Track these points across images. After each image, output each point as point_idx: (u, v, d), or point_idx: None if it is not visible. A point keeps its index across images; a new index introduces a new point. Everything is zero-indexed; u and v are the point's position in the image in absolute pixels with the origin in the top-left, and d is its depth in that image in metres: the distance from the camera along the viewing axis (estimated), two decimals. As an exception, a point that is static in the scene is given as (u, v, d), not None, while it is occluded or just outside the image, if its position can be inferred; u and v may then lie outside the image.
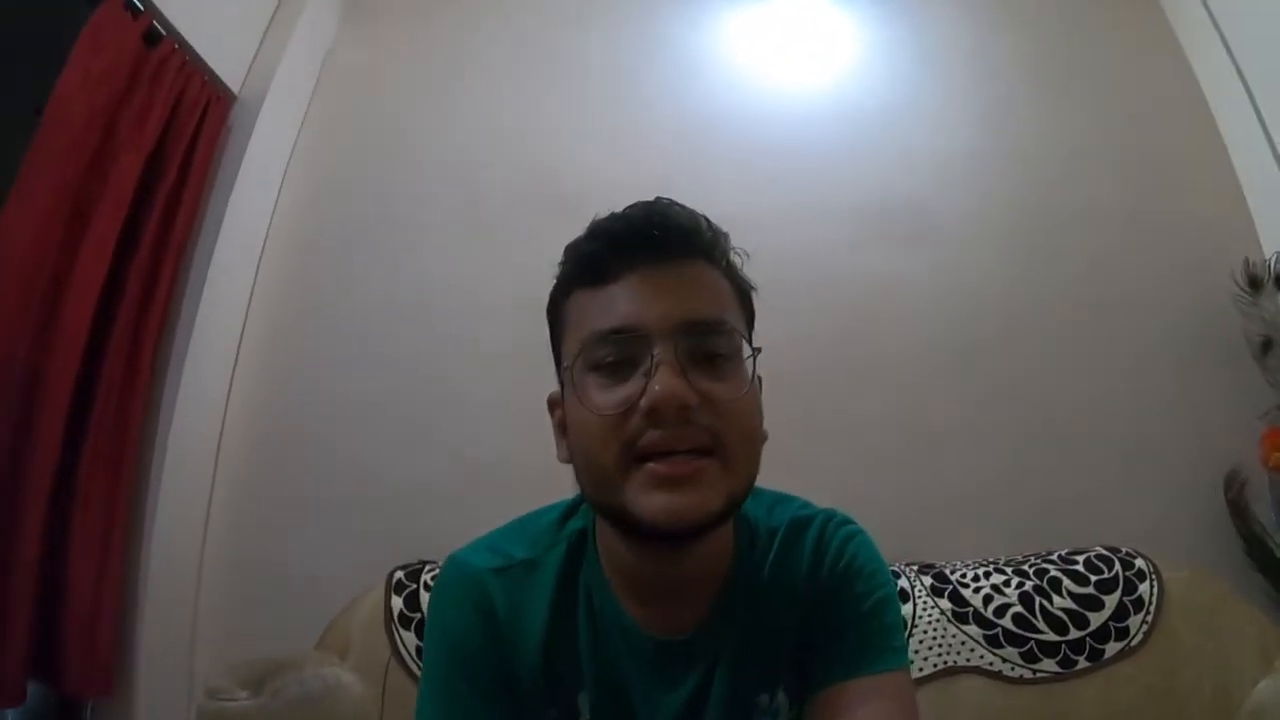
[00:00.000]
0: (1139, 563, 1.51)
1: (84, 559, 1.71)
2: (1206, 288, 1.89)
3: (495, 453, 1.88)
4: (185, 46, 1.87)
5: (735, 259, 0.70)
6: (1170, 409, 1.87)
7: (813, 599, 0.70)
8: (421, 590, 1.45)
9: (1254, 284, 1.86)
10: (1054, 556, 1.55)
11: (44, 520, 1.64)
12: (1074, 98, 2.10)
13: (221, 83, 1.97)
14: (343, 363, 1.99)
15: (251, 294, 2.02)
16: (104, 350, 1.76)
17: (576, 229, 0.68)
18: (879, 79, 2.13)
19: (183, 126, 1.90)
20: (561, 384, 0.68)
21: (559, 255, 0.69)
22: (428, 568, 1.50)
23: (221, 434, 1.93)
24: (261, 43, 2.08)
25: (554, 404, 0.71)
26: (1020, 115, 2.09)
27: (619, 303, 0.62)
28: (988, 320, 1.93)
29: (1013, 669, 1.39)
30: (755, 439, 0.64)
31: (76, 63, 1.70)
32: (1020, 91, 2.11)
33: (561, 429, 0.68)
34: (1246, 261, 1.87)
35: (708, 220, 0.68)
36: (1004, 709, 1.35)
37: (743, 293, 0.70)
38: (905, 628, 1.40)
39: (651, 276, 0.62)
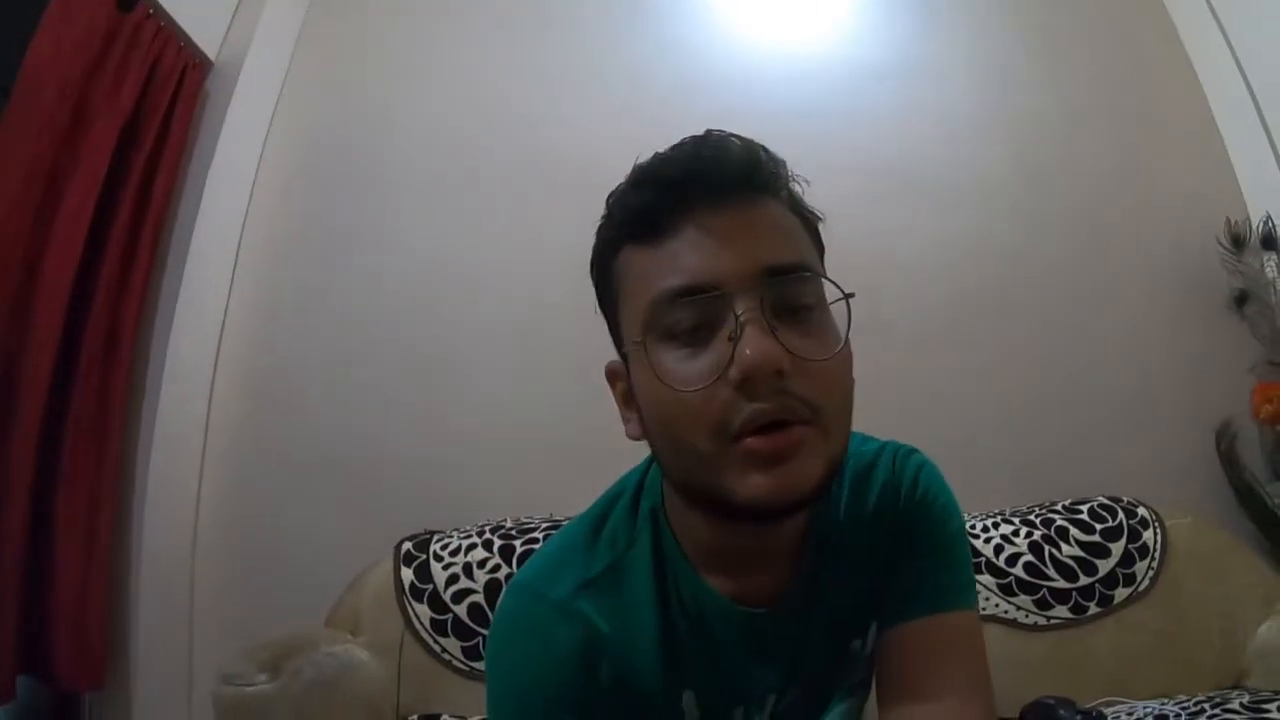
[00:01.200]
0: (1141, 511, 1.55)
1: (69, 546, 1.65)
2: (1197, 247, 1.93)
3: (494, 421, 1.86)
4: (160, 12, 1.79)
5: (795, 188, 0.61)
6: (1164, 363, 1.90)
7: (891, 534, 0.66)
8: (431, 560, 1.43)
9: (1237, 242, 1.90)
10: (1058, 506, 1.58)
11: (27, 507, 1.58)
12: (1068, 62, 2.11)
13: (198, 49, 1.89)
14: (329, 333, 1.94)
15: (235, 264, 1.96)
16: (83, 327, 1.69)
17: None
18: (878, 38, 2.12)
19: (158, 94, 1.82)
20: (623, 354, 0.59)
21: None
22: (436, 537, 1.47)
23: (209, 409, 1.86)
24: (238, 8, 2.00)
25: (615, 375, 0.61)
26: (1015, 78, 2.10)
27: (684, 257, 0.53)
28: (986, 277, 1.95)
29: (1027, 616, 1.42)
30: (850, 400, 0.57)
31: (47, 31, 1.62)
32: (1015, 55, 2.12)
33: (626, 402, 0.60)
34: (1228, 221, 1.91)
35: (765, 149, 0.58)
36: (1022, 656, 1.37)
37: (811, 227, 0.61)
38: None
39: (716, 223, 0.53)
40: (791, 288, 0.54)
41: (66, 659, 1.61)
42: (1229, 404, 1.83)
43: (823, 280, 0.56)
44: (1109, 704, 1.34)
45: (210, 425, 1.86)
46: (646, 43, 2.12)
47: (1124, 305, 1.94)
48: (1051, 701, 1.20)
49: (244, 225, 1.99)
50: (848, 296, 0.56)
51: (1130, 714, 1.27)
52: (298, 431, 1.88)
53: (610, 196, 0.60)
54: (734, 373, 0.50)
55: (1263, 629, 1.42)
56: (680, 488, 0.59)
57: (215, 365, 1.89)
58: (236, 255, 1.96)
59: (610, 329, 0.61)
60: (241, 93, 1.93)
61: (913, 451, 0.71)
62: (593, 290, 0.62)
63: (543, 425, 1.83)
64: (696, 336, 0.53)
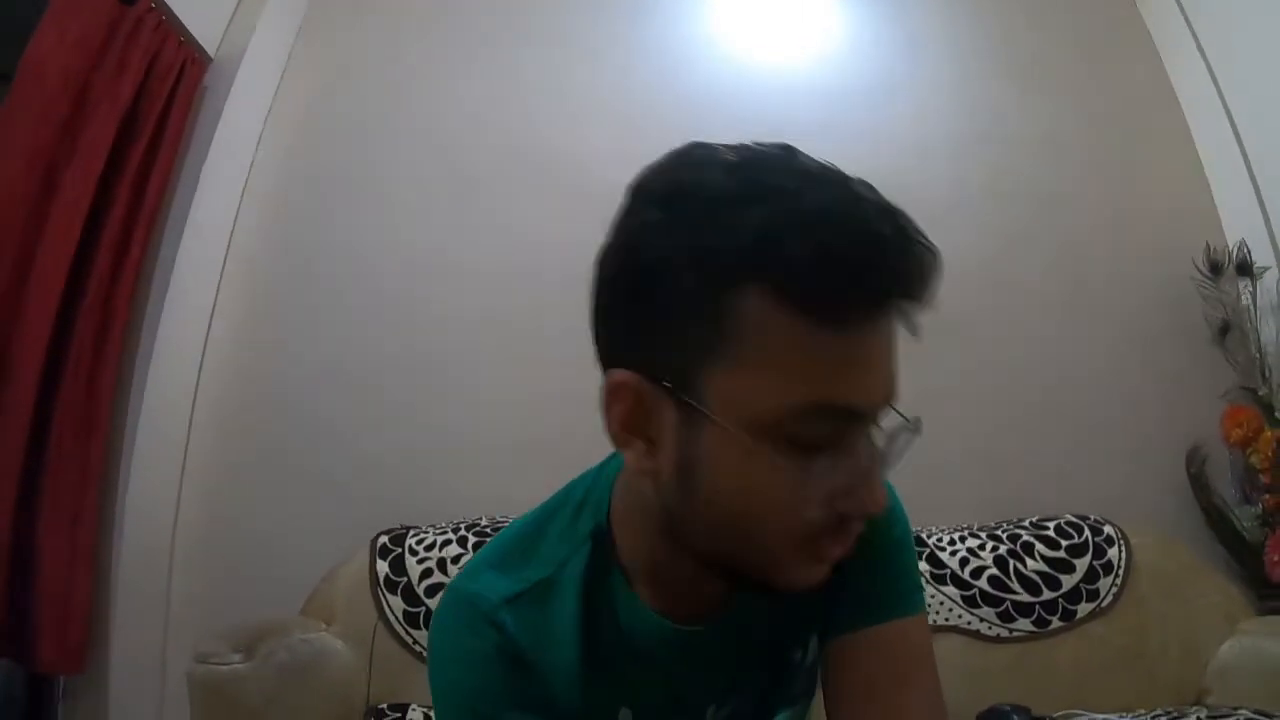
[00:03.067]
0: (1107, 529, 1.57)
1: (55, 532, 1.66)
2: (1173, 271, 1.95)
3: (473, 419, 1.88)
4: (161, 6, 1.82)
5: None
6: (1137, 386, 1.93)
7: None
8: (406, 554, 1.45)
9: (1214, 269, 1.93)
10: (1026, 523, 1.60)
11: (14, 492, 1.60)
12: (1049, 86, 2.14)
13: (198, 44, 1.92)
14: (320, 328, 1.97)
15: (226, 258, 1.98)
16: (75, 316, 1.71)
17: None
18: (861, 60, 2.16)
19: (157, 88, 1.85)
20: (676, 389, 0.47)
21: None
22: (412, 532, 1.49)
23: (195, 400, 1.89)
24: (238, 5, 2.04)
25: (624, 390, 0.50)
26: (997, 101, 2.13)
27: (857, 371, 0.45)
28: (962, 299, 1.96)
29: (990, 628, 1.44)
30: None
31: (50, 23, 1.65)
32: (997, 78, 2.15)
33: (629, 424, 0.50)
34: (1208, 247, 1.94)
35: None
36: (983, 667, 1.39)
37: None
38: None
39: (886, 330, 0.46)
40: (899, 427, 0.50)
41: (48, 644, 1.63)
42: (1200, 427, 1.86)
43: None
44: (1068, 717, 1.36)
45: (195, 417, 1.89)
46: (634, 57, 2.15)
47: (1099, 327, 1.97)
48: (1007, 708, 1.23)
49: (235, 221, 2.01)
50: (914, 430, 0.51)
51: (1088, 726, 1.30)
52: (281, 424, 1.90)
53: (725, 199, 0.45)
54: (855, 510, 0.48)
55: (1224, 648, 1.44)
56: (697, 551, 0.54)
57: (202, 359, 1.92)
58: (227, 251, 1.99)
59: (641, 332, 0.49)
60: (239, 89, 1.96)
61: None
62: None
63: (522, 425, 1.85)
64: (821, 450, 0.47)
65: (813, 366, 0.44)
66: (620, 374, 0.49)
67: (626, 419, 0.50)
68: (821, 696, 0.66)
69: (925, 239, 0.46)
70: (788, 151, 0.50)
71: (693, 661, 0.63)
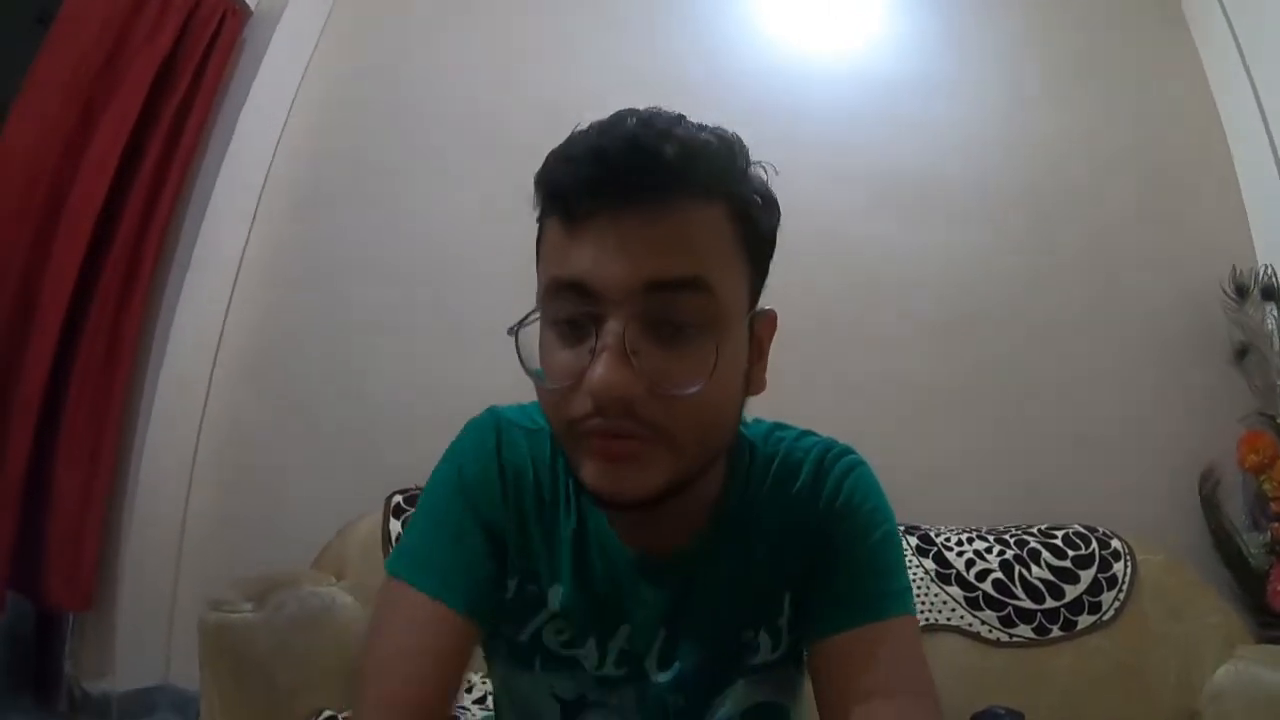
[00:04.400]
0: (1115, 543, 1.57)
1: (71, 470, 1.69)
2: (1201, 290, 1.94)
3: (495, 380, 1.88)
4: (203, -45, 1.82)
5: (756, 177, 0.59)
6: (1156, 402, 1.92)
7: (809, 535, 0.65)
8: (419, 516, 1.46)
9: (1240, 291, 1.91)
10: (1034, 529, 1.60)
11: (33, 428, 1.62)
12: (1089, 93, 2.12)
13: (239, -4, 1.93)
14: (345, 285, 1.98)
15: (256, 211, 2.00)
16: (104, 258, 1.74)
17: None
18: (903, 51, 2.13)
19: (196, 39, 1.86)
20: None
21: None
22: (426, 493, 1.51)
23: (219, 348, 1.91)
24: (281, -43, 2.03)
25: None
26: (1036, 102, 2.11)
27: (582, 251, 0.53)
28: (987, 297, 1.97)
29: (990, 631, 1.45)
30: (718, 422, 0.57)
31: (93, -32, 1.65)
32: (1039, 80, 2.13)
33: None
34: (1234, 269, 1.92)
35: (715, 141, 0.56)
36: (981, 669, 1.40)
37: (753, 230, 0.58)
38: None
39: (623, 225, 0.52)
40: (673, 304, 0.52)
41: (57, 579, 1.66)
42: (1216, 450, 1.85)
43: (720, 297, 0.54)
44: (1060, 725, 1.37)
45: (218, 365, 1.91)
46: (675, 38, 2.13)
47: (1124, 340, 1.96)
48: (1002, 711, 1.23)
49: (268, 175, 2.03)
50: (715, 326, 0.54)
51: (1080, 736, 1.31)
52: (304, 378, 1.93)
53: (546, 159, 0.57)
54: (585, 388, 0.52)
55: (1220, 671, 1.43)
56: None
57: (228, 308, 1.94)
58: (258, 203, 2.01)
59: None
60: (278, 43, 1.97)
61: (846, 453, 0.69)
62: None
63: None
64: (574, 330, 0.54)
65: (555, 252, 0.55)
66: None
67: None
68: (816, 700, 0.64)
69: (666, 146, 0.52)
70: (649, 115, 0.56)
71: (630, 582, 0.66)
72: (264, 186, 2.01)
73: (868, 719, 0.57)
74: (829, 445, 0.69)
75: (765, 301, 0.61)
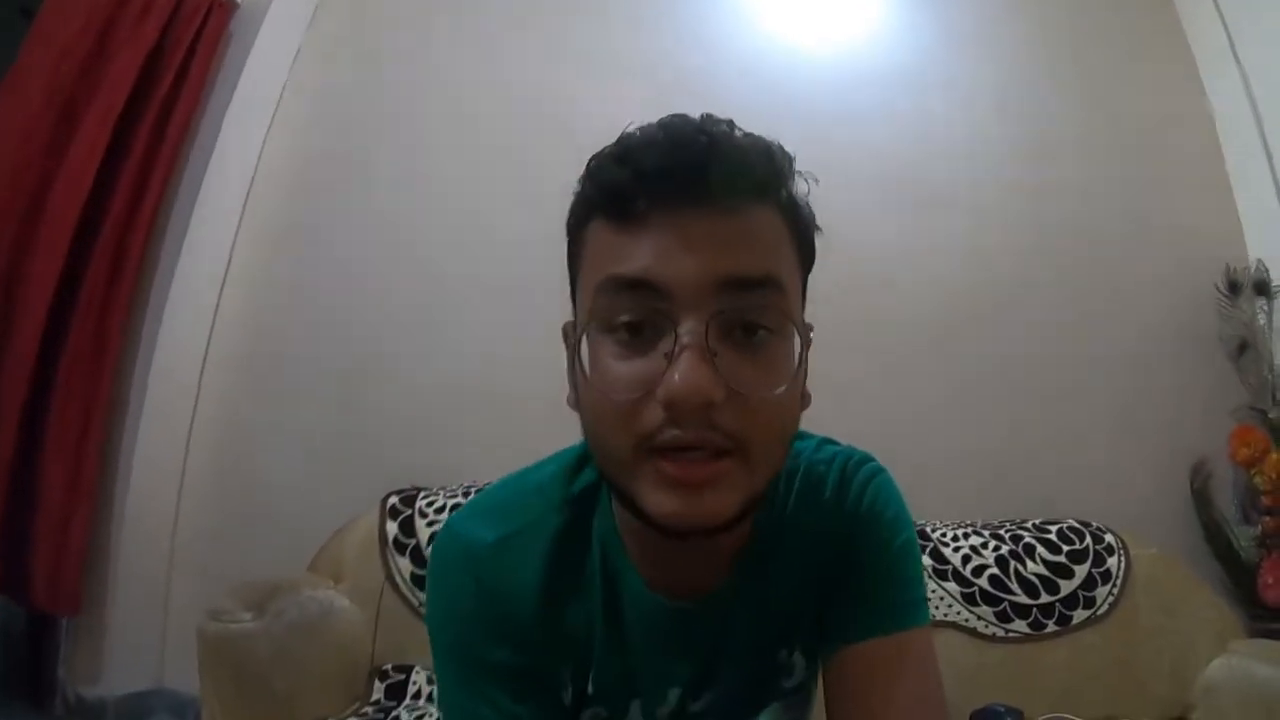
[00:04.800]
0: (1109, 538, 1.58)
1: (56, 470, 1.67)
2: (1193, 285, 1.95)
3: (493, 381, 1.88)
4: (189, -53, 1.79)
5: (800, 189, 0.58)
6: (1148, 396, 1.93)
7: (834, 544, 0.63)
8: (416, 516, 1.46)
9: (1234, 288, 1.92)
10: (1028, 524, 1.61)
11: (16, 428, 1.60)
12: (1085, 90, 2.11)
13: (225, -12, 1.89)
14: (338, 281, 1.96)
15: (245, 203, 1.97)
16: (88, 256, 1.71)
17: (571, 165, 0.58)
18: (896, 45, 2.12)
19: (182, 31, 1.83)
20: (576, 321, 0.57)
21: (565, 189, 0.56)
22: (423, 494, 1.50)
23: (209, 343, 1.89)
24: (267, -51, 2.00)
25: (565, 337, 0.59)
26: (1027, 98, 2.10)
27: (643, 249, 0.50)
28: (981, 292, 1.97)
29: (986, 627, 1.46)
30: (789, 432, 0.55)
31: (76, -40, 1.62)
32: (1030, 75, 2.12)
33: (570, 367, 0.57)
34: (1227, 267, 1.93)
35: (770, 149, 0.55)
36: (978, 664, 1.41)
37: (803, 238, 0.57)
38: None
39: (686, 223, 0.50)
40: (750, 303, 0.50)
41: (43, 581, 1.64)
42: (1208, 443, 1.86)
43: (791, 299, 0.53)
44: (1055, 720, 1.39)
45: (208, 363, 1.89)
46: (669, 36, 2.11)
47: (1116, 334, 1.97)
48: (1001, 709, 1.25)
49: (256, 169, 2.00)
50: (804, 342, 0.53)
51: (1076, 731, 1.32)
52: (296, 378, 1.91)
53: (592, 159, 0.55)
54: (661, 394, 0.48)
55: (1213, 666, 1.45)
56: (605, 480, 0.58)
57: (218, 304, 1.91)
58: (246, 197, 1.98)
59: (571, 293, 0.59)
60: (264, 37, 1.94)
61: (866, 461, 0.68)
62: None
63: (540, 391, 1.85)
64: (638, 337, 0.50)
65: (609, 252, 0.51)
66: (567, 322, 0.59)
67: (569, 364, 0.57)
68: (825, 707, 0.64)
69: (727, 149, 0.52)
70: (704, 119, 0.55)
71: (669, 638, 0.63)
72: (252, 182, 1.98)
73: None
74: (850, 453, 0.68)
75: None
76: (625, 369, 0.50)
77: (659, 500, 0.50)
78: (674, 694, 0.64)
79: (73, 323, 1.69)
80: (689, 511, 0.49)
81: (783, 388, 0.51)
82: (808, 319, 0.58)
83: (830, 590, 0.63)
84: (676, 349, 0.48)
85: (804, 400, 0.58)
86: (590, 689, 0.62)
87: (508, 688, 0.59)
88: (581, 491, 0.64)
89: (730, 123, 0.55)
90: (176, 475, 1.82)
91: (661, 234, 0.50)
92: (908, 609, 0.61)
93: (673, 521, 0.50)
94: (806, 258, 0.59)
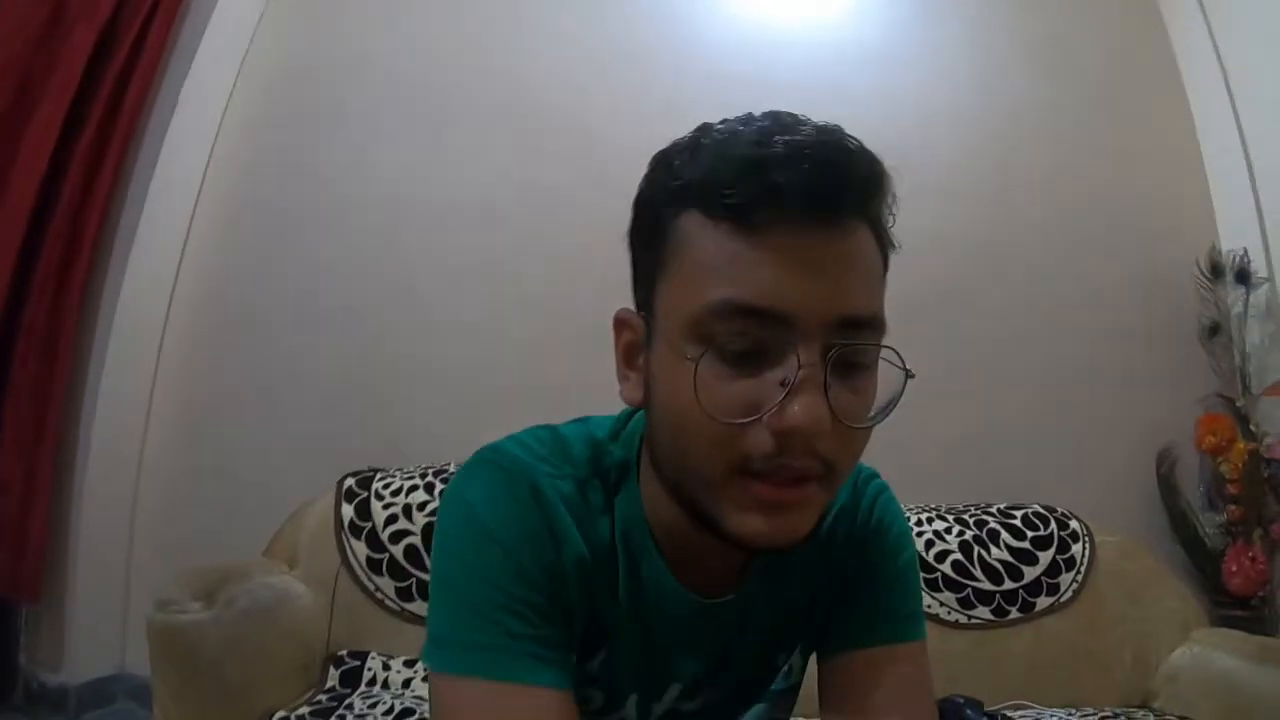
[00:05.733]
0: (1073, 524, 1.58)
1: (12, 458, 1.64)
2: (1165, 271, 1.95)
3: (446, 360, 1.85)
4: (145, -86, 1.73)
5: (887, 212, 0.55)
6: (1116, 382, 1.93)
7: (843, 552, 0.65)
8: (373, 499, 1.43)
9: (1215, 271, 1.92)
10: (993, 509, 1.61)
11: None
12: (1060, 69, 2.10)
13: (183, -42, 1.84)
14: (296, 259, 1.92)
15: (203, 181, 1.93)
16: (44, 231, 1.67)
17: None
18: (871, 24, 2.09)
19: (136, 5, 1.78)
20: (645, 315, 0.54)
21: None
22: (379, 476, 1.47)
23: (165, 325, 1.85)
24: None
25: (626, 326, 0.56)
26: (1003, 73, 2.09)
27: (766, 271, 0.47)
28: (951, 272, 1.94)
29: (949, 613, 1.46)
30: (860, 455, 0.54)
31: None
32: (1006, 53, 2.10)
33: (629, 361, 0.56)
34: (1212, 247, 1.93)
35: (878, 163, 0.51)
36: (939, 651, 1.38)
37: (887, 263, 0.56)
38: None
39: (809, 243, 0.47)
40: (858, 341, 0.49)
41: (3, 572, 1.62)
42: (1175, 430, 1.88)
43: (882, 338, 0.52)
44: (1017, 707, 1.38)
45: (164, 347, 1.85)
46: (635, 8, 2.06)
47: (1087, 317, 1.96)
48: (961, 700, 1.24)
49: (214, 144, 1.95)
50: (909, 376, 0.52)
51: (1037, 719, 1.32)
52: (251, 359, 1.88)
53: (681, 149, 0.52)
54: (777, 425, 0.47)
55: (1175, 654, 1.45)
56: (670, 485, 0.55)
57: (174, 285, 1.88)
58: (204, 174, 1.93)
59: (637, 274, 0.56)
60: (222, 10, 1.88)
61: (874, 477, 0.70)
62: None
63: (496, 369, 1.83)
64: (745, 359, 0.48)
65: (726, 267, 0.48)
66: (620, 311, 0.56)
67: (625, 353, 0.56)
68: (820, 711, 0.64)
69: (854, 160, 0.49)
70: (824, 129, 0.51)
71: (685, 633, 0.62)
72: (209, 158, 1.94)
73: None
74: (859, 467, 0.68)
75: None
76: (734, 390, 0.48)
77: (746, 520, 0.50)
78: (674, 690, 0.64)
79: (27, 307, 1.66)
80: (774, 531, 0.50)
81: (871, 419, 0.51)
82: None
83: (833, 599, 0.65)
84: (796, 380, 0.46)
85: None
86: (596, 670, 0.61)
87: (543, 601, 0.54)
88: (611, 467, 0.61)
89: (839, 128, 0.51)
90: (134, 461, 1.79)
91: (783, 254, 0.47)
92: (906, 622, 0.63)
93: (758, 541, 0.50)
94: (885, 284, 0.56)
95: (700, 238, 0.49)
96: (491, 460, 0.58)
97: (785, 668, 0.68)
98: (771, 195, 0.46)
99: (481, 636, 0.52)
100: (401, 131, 1.98)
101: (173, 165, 1.82)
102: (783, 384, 0.47)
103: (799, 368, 0.46)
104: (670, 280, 0.51)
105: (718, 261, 0.48)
